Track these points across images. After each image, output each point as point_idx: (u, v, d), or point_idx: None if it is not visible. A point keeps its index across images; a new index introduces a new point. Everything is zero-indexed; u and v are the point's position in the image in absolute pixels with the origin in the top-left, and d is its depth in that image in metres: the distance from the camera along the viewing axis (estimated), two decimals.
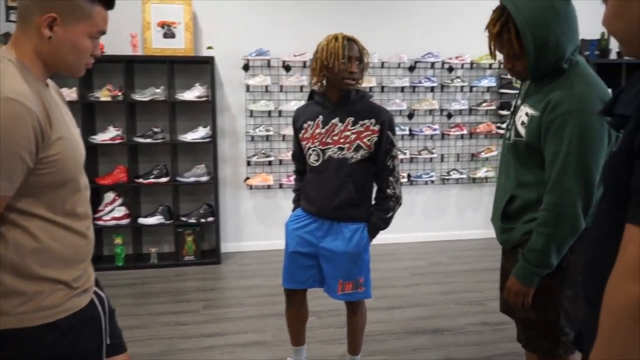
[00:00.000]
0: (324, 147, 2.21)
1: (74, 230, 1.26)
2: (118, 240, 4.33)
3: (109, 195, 4.35)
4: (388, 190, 2.21)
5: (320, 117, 2.23)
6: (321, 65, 2.13)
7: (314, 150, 2.24)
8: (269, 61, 4.65)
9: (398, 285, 3.91)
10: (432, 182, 5.10)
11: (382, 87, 4.89)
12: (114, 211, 4.34)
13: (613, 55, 5.09)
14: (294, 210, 2.44)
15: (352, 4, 4.80)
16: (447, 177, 5.08)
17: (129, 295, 3.74)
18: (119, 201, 4.39)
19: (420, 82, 4.89)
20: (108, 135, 4.28)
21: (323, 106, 2.23)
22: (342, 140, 2.17)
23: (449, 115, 5.06)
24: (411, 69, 4.92)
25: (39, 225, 1.18)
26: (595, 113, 1.47)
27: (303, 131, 2.29)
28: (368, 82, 4.75)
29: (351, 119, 2.17)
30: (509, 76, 4.97)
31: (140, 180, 4.35)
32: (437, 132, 4.99)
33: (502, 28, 1.57)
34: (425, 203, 5.17)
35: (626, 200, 0.85)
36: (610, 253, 0.87)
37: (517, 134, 1.65)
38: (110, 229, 4.34)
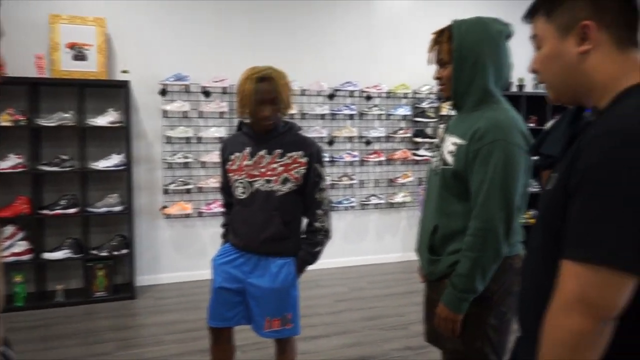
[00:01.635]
0: (251, 180, 2.16)
1: None
2: (18, 278, 3.96)
3: (8, 229, 3.98)
4: (316, 224, 2.18)
5: (248, 149, 2.18)
6: (238, 104, 2.11)
7: (240, 183, 2.18)
8: (187, 86, 4.53)
9: (323, 313, 3.90)
10: (352, 207, 5.19)
11: (303, 115, 4.93)
12: (14, 246, 3.97)
13: (514, 88, 5.51)
14: (222, 245, 2.35)
15: (273, 32, 4.83)
16: (366, 203, 5.19)
17: (32, 339, 3.41)
18: (20, 235, 4.02)
19: (339, 110, 5.00)
20: (8, 163, 3.93)
21: (251, 137, 2.19)
22: (269, 173, 2.13)
23: (368, 142, 5.19)
24: (331, 97, 5.02)
25: None
26: (517, 144, 1.57)
27: (230, 163, 2.23)
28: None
29: (279, 151, 2.14)
30: (422, 105, 5.21)
31: (45, 211, 4.02)
32: (357, 158, 5.10)
33: (440, 35, 1.71)
34: (345, 228, 5.23)
35: (562, 236, 0.89)
36: (547, 285, 0.91)
37: (445, 162, 1.71)
38: (9, 266, 3.95)
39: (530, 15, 1.04)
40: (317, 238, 2.19)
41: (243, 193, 2.18)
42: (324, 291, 4.42)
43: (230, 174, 2.22)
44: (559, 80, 1.01)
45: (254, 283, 2.19)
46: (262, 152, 2.15)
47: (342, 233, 5.21)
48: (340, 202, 5.10)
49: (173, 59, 4.52)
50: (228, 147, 2.27)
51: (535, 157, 1.11)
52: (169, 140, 4.53)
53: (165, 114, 4.50)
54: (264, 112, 2.04)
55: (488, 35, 1.66)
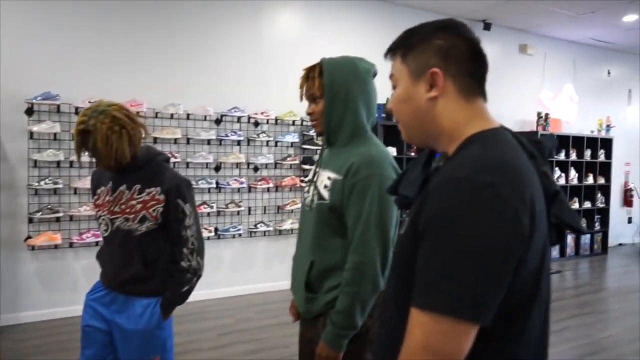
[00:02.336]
0: (112, 217, 1.99)
1: None
2: None
3: None
4: (182, 263, 2.01)
5: (110, 183, 2.01)
6: None
7: (103, 219, 2.01)
8: (58, 106, 4.18)
9: (205, 348, 3.72)
10: (240, 235, 5.07)
11: (188, 139, 4.76)
12: None
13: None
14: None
15: (155, 53, 4.64)
16: (254, 230, 5.10)
17: None
18: None
19: (227, 136, 4.90)
20: None
21: (113, 171, 2.01)
22: (127, 210, 1.96)
23: (256, 169, 5.14)
24: (217, 122, 4.91)
25: None
26: (391, 178, 1.60)
27: (96, 197, 2.06)
28: (173, 133, 4.58)
29: (137, 186, 1.97)
30: (310, 133, 5.28)
31: None
32: (244, 185, 5.01)
33: (312, 70, 1.71)
34: (232, 257, 5.10)
35: (408, 282, 0.89)
36: (401, 333, 0.91)
37: (321, 197, 1.70)
38: None
39: (389, 54, 1.06)
40: (184, 278, 2.02)
41: (105, 230, 2.02)
42: (208, 324, 4.23)
43: (96, 209, 2.05)
44: (411, 123, 1.03)
45: (119, 323, 2.02)
46: (122, 188, 1.99)
47: (229, 261, 5.07)
48: (227, 230, 4.97)
49: (42, 76, 4.15)
50: (95, 180, 2.10)
51: (394, 197, 1.12)
52: (35, 164, 4.12)
53: (31, 135, 4.10)
54: (98, 161, 1.90)
55: (357, 73, 1.70)
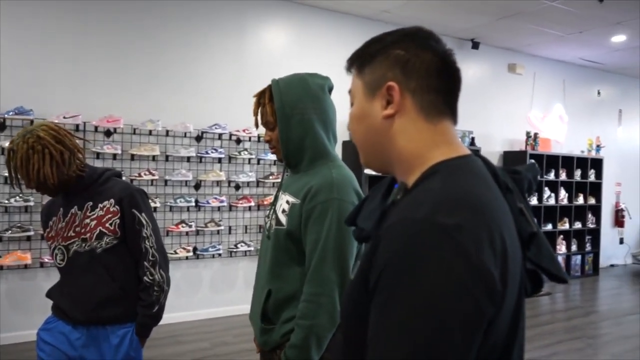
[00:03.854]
0: (67, 243, 1.88)
1: None
2: None
3: None
4: (146, 278, 1.90)
5: (61, 210, 1.92)
6: None
7: (58, 249, 1.90)
8: (31, 122, 4.06)
9: None
10: (220, 255, 4.93)
11: (167, 157, 4.64)
12: None
13: None
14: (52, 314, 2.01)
15: (135, 67, 4.54)
16: (234, 250, 4.96)
17: None
18: None
19: (207, 153, 4.79)
20: None
21: (62, 196, 1.92)
22: (82, 231, 1.87)
23: (237, 187, 5.02)
24: (198, 138, 4.80)
25: None
26: (352, 202, 1.49)
27: (48, 230, 1.95)
28: (151, 150, 4.47)
29: (89, 203, 1.89)
30: None
31: None
32: (225, 203, 4.88)
33: (261, 97, 1.63)
34: (212, 277, 4.94)
35: (361, 335, 0.74)
36: None
37: (278, 222, 1.60)
38: None
39: (348, 68, 0.92)
40: (151, 296, 1.91)
41: (62, 260, 1.91)
42: (183, 348, 4.06)
43: (49, 242, 1.95)
44: (366, 144, 0.90)
45: (91, 359, 1.88)
46: (74, 210, 1.89)
47: (209, 282, 4.91)
48: (206, 250, 4.82)
49: (14, 90, 4.04)
50: (45, 214, 2.00)
51: (352, 228, 0.98)
52: (5, 180, 3.99)
53: (2, 151, 3.97)
54: (24, 182, 1.81)
55: (309, 91, 1.60)
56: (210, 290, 4.92)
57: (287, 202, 1.58)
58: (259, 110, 1.65)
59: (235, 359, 3.86)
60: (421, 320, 0.65)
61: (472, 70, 6.68)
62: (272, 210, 1.67)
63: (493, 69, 6.97)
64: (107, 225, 1.87)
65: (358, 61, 0.89)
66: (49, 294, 2.01)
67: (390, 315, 0.67)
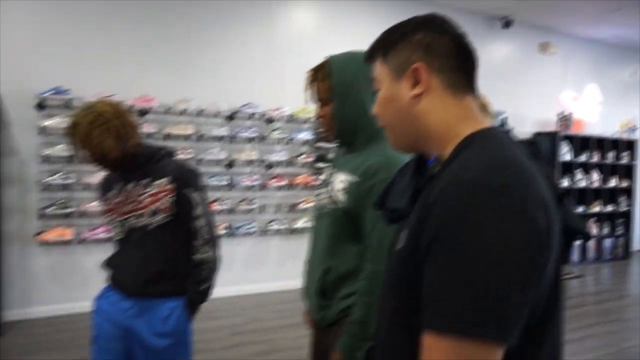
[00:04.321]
0: (123, 218, 1.94)
1: None
2: None
3: None
4: (196, 256, 1.94)
5: (119, 184, 1.96)
6: None
7: (115, 223, 1.96)
8: (69, 101, 4.14)
9: (216, 348, 3.64)
10: (252, 233, 4.99)
11: (199, 136, 4.69)
12: None
13: None
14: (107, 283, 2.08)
15: (167, 47, 4.58)
16: (267, 229, 5.02)
17: None
18: None
19: (239, 132, 4.82)
20: None
21: (118, 170, 1.96)
22: (138, 207, 1.91)
23: (269, 166, 5.05)
24: (230, 118, 4.83)
25: None
26: None
27: (106, 202, 2.01)
28: (184, 129, 4.52)
29: (145, 180, 1.92)
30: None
31: None
32: (257, 182, 4.93)
33: (317, 72, 1.61)
34: (245, 255, 5.02)
35: (412, 302, 0.79)
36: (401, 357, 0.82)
37: (335, 200, 1.60)
38: None
39: (370, 57, 0.99)
40: (202, 274, 1.95)
41: (119, 233, 1.97)
42: (219, 323, 4.15)
43: (107, 215, 2.00)
44: (396, 125, 0.95)
45: (139, 330, 1.93)
46: (130, 185, 1.94)
47: (241, 260, 4.99)
48: (239, 228, 4.89)
49: (52, 71, 4.11)
50: (103, 187, 2.05)
51: (381, 211, 1.03)
52: (46, 159, 4.09)
53: (42, 130, 4.06)
54: (86, 157, 1.85)
55: (364, 70, 1.58)
56: (243, 268, 5.00)
57: (344, 180, 1.58)
58: (313, 86, 1.63)
59: (272, 335, 3.93)
60: (483, 272, 0.70)
61: (503, 50, 6.55)
62: (326, 187, 1.68)
63: (525, 48, 6.83)
64: (161, 202, 1.90)
65: (382, 49, 0.95)
66: (105, 264, 2.07)
67: (451, 270, 0.72)
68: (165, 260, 1.93)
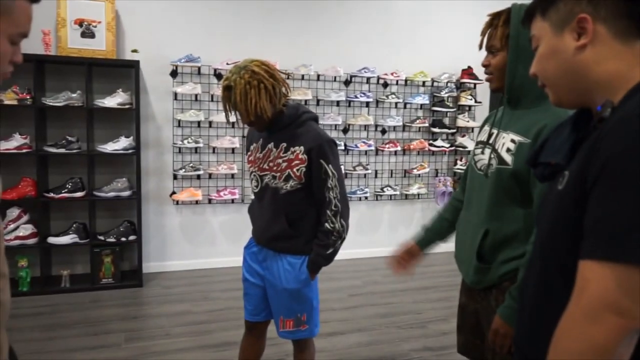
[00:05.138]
0: (261, 174, 2.03)
1: None
2: (23, 263, 3.83)
3: (13, 212, 3.84)
4: (326, 225, 1.97)
5: (261, 140, 2.05)
6: None
7: (254, 176, 2.07)
8: (199, 68, 4.35)
9: (337, 308, 3.77)
10: (366, 198, 5.04)
11: (318, 101, 4.75)
12: (19, 229, 3.83)
13: None
14: None
15: (288, 15, 4.63)
16: (380, 193, 5.03)
17: (37, 327, 3.28)
18: (25, 218, 3.89)
19: (356, 97, 4.82)
20: (13, 143, 3.77)
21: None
22: (275, 168, 1.98)
23: (384, 131, 5.02)
24: (347, 83, 4.83)
25: None
26: None
27: (249, 153, 2.11)
28: (304, 94, 4.60)
29: (284, 144, 1.97)
30: (441, 94, 5.02)
31: (51, 194, 3.88)
32: (372, 147, 4.93)
33: (496, 18, 1.56)
34: (358, 219, 5.08)
35: (577, 237, 0.80)
36: (557, 296, 0.85)
37: (502, 161, 1.54)
38: (13, 249, 3.81)
39: (528, 18, 1.00)
40: (328, 240, 1.99)
41: (256, 186, 2.07)
42: (337, 284, 4.28)
43: (248, 165, 2.12)
44: (559, 80, 0.94)
45: (269, 279, 2.09)
46: (270, 145, 2.01)
47: (355, 224, 5.06)
48: (354, 192, 4.95)
49: (184, 40, 4.33)
50: (249, 137, 2.16)
51: (534, 168, 1.03)
52: (179, 123, 4.37)
53: (175, 96, 4.33)
54: (241, 117, 1.91)
55: None
56: (357, 232, 5.08)
57: (513, 140, 1.52)
58: (488, 32, 1.57)
59: (389, 299, 3.99)
60: None
61: None
62: (489, 148, 1.62)
63: None
64: (294, 170, 1.95)
65: (540, 7, 0.95)
66: (248, 211, 2.22)
67: (620, 200, 0.73)
68: (290, 224, 2.00)
